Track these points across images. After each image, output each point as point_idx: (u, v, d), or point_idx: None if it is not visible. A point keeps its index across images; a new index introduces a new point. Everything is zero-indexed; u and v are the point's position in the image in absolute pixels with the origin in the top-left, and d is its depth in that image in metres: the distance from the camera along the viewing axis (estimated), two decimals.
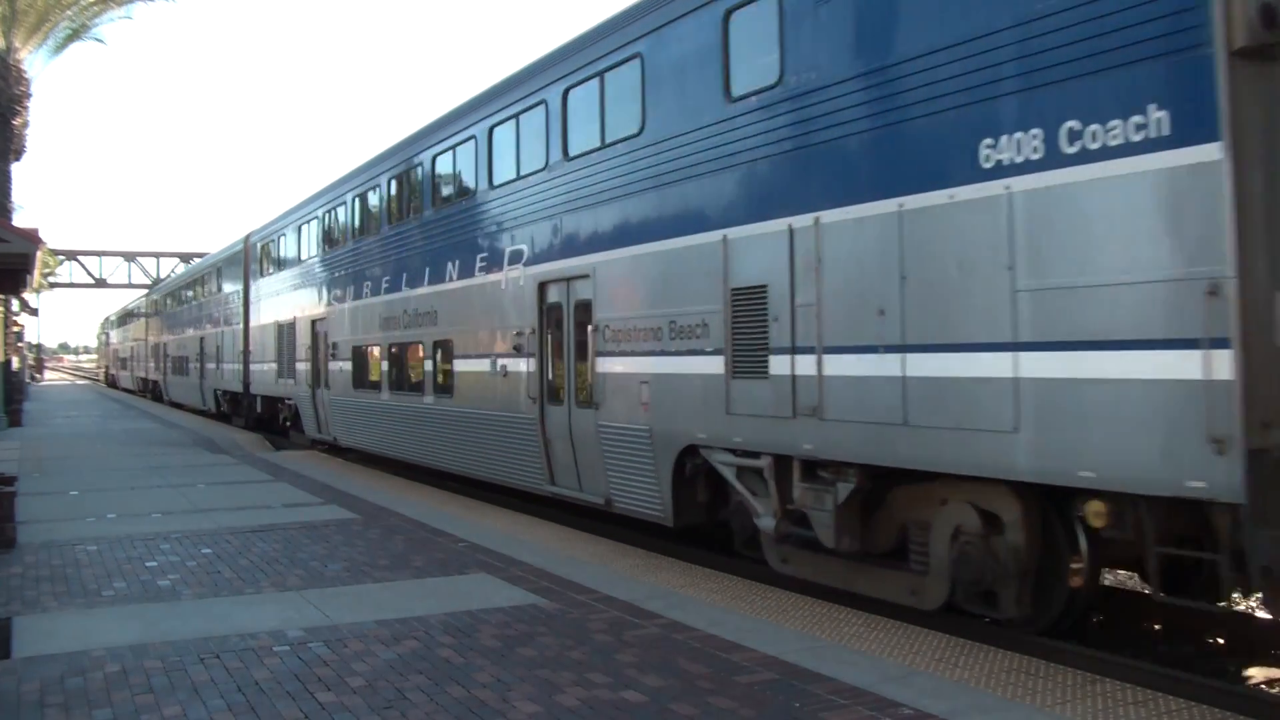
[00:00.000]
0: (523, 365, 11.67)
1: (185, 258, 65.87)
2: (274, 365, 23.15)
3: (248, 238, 26.25)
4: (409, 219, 15.48)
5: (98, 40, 33.08)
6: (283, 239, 22.91)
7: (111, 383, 68.95)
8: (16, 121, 27.98)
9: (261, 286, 24.78)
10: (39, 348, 78.83)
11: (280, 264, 23.19)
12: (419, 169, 15.04)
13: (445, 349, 13.94)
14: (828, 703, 5.16)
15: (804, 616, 7.18)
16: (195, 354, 33.88)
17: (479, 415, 12.93)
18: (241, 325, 26.28)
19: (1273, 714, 5.47)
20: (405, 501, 13.03)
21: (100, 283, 71.01)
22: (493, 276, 12.42)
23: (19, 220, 27.56)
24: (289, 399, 22.34)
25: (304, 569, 8.68)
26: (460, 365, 13.46)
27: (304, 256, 21.14)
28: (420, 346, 14.81)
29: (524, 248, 11.65)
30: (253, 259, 25.73)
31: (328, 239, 19.58)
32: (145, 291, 57.10)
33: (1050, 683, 5.65)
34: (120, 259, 71.06)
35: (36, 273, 15.17)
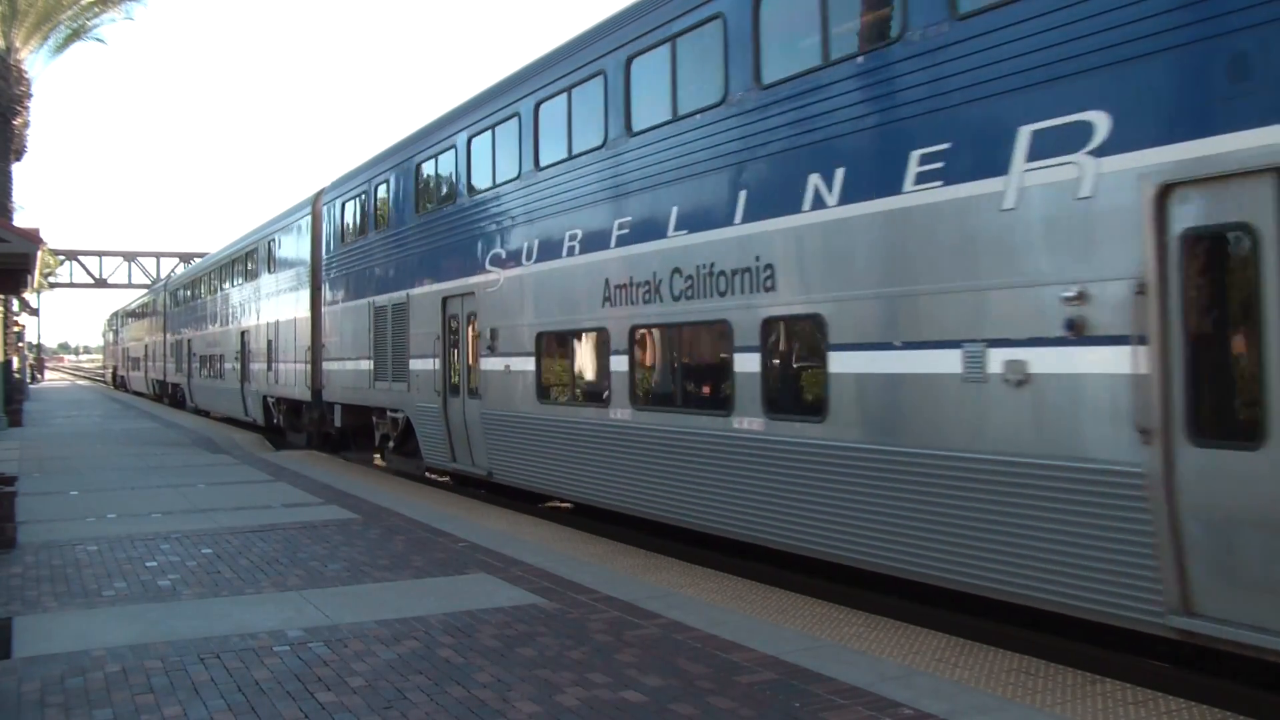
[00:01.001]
0: (1099, 361, 5.87)
1: (185, 258, 65.95)
2: (366, 363, 17.50)
3: (318, 197, 20.62)
4: (686, 119, 9.40)
5: (98, 40, 33.33)
6: (382, 188, 17.05)
7: (121, 385, 63.29)
8: (17, 121, 28.05)
9: (341, 260, 19.08)
10: (39, 348, 78.92)
11: (377, 224, 17.29)
12: (722, 26, 8.85)
13: (797, 335, 8.44)
14: (828, 703, 5.17)
15: (804, 616, 7.17)
16: (233, 352, 27.71)
17: (920, 460, 7.05)
18: (308, 313, 20.79)
19: (1273, 714, 5.48)
20: (405, 502, 13.03)
21: (100, 283, 71.25)
22: (965, 188, 6.69)
23: (19, 220, 27.63)
24: (394, 410, 16.61)
25: (304, 569, 8.69)
26: (851, 363, 7.62)
27: (424, 208, 15.41)
28: (722, 330, 8.94)
29: (1098, 120, 5.87)
30: (327, 224, 20.07)
31: (473, 179, 13.77)
32: (146, 290, 56.21)
33: (1050, 683, 5.65)
34: (120, 259, 71.32)
35: (37, 273, 15.16)
